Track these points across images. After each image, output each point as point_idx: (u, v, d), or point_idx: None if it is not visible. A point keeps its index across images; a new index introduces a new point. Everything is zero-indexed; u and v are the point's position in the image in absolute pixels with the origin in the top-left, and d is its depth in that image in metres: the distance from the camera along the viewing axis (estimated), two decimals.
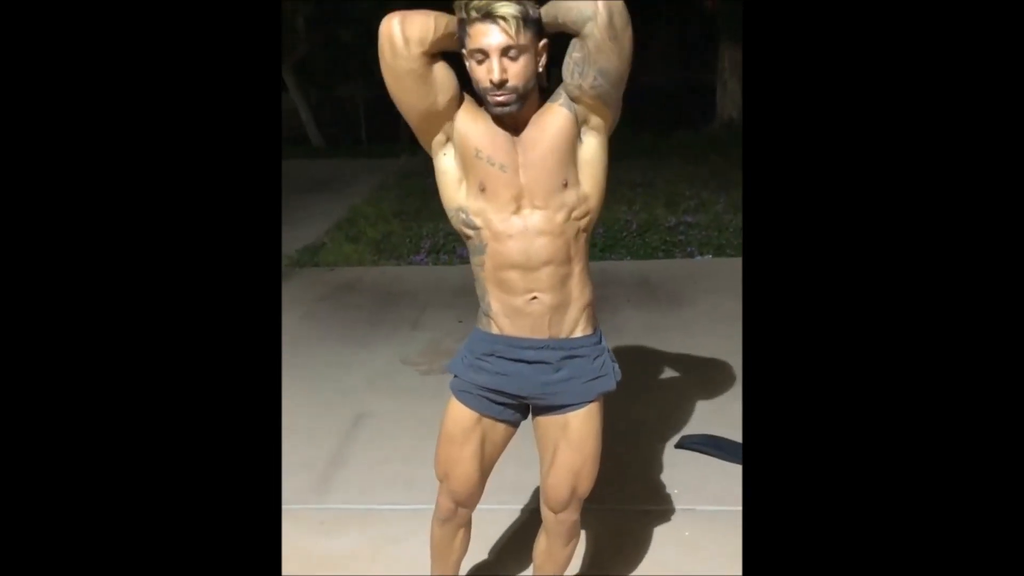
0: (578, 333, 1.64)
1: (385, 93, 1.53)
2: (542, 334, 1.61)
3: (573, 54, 1.48)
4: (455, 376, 1.71)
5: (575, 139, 1.54)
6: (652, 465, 2.67)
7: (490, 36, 1.42)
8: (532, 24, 1.43)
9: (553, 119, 1.53)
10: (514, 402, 1.69)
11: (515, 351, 1.63)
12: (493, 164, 1.51)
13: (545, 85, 1.53)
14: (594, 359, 1.66)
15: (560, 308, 1.60)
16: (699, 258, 5.23)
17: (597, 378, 1.66)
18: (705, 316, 4.06)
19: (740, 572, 1.77)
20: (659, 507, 2.41)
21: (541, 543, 1.80)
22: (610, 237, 5.68)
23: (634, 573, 2.14)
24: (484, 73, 1.45)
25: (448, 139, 1.57)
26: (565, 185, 1.54)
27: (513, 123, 1.53)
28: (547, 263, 1.56)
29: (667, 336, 3.79)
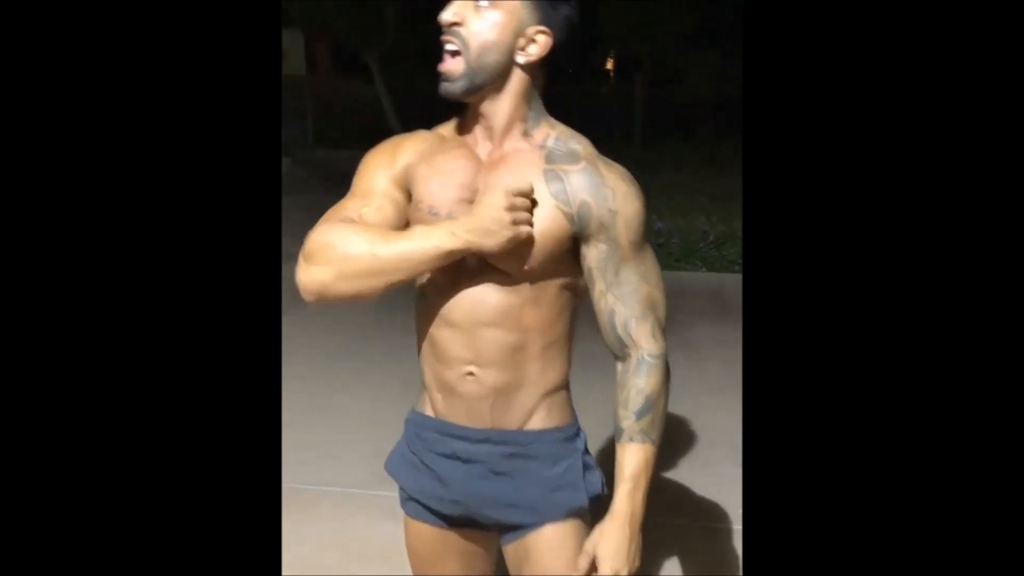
0: (535, 426, 1.19)
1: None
2: (481, 423, 1.19)
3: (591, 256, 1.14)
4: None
5: (566, 244, 1.13)
6: (720, 483, 2.63)
7: None
8: None
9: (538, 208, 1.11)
10: (460, 516, 1.25)
11: (446, 442, 1.21)
12: (437, 214, 1.13)
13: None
14: (554, 463, 1.20)
15: (505, 391, 1.16)
16: None
17: (557, 489, 1.20)
18: None
19: None
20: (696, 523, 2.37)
21: None
22: (686, 247, 5.61)
23: None
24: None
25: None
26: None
27: (487, 160, 1.15)
28: (490, 325, 1.14)
29: (738, 352, 3.73)
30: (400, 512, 1.29)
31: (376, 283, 1.07)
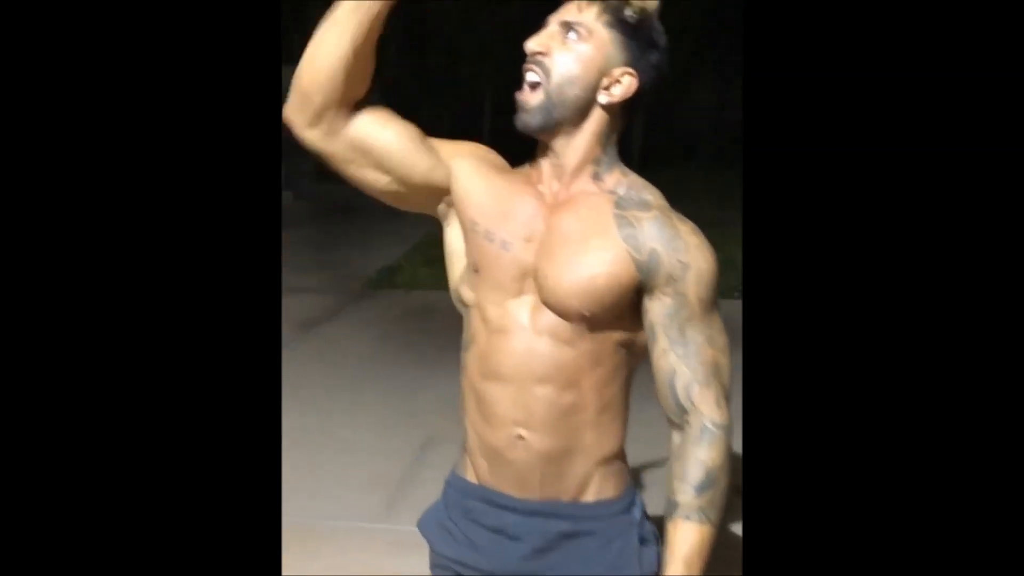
0: (589, 497, 1.10)
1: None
2: (530, 493, 1.10)
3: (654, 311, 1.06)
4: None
5: (629, 293, 1.06)
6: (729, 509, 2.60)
7: (559, 12, 1.08)
8: (618, 24, 1.05)
9: (602, 247, 1.05)
10: None
11: (493, 514, 1.12)
12: (492, 240, 1.08)
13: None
14: (610, 541, 1.11)
15: (558, 459, 1.08)
16: None
17: (612, 571, 1.11)
18: None
19: None
20: None
21: None
22: None
23: None
24: None
25: (451, 207, 1.15)
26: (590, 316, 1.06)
27: (551, 200, 1.10)
28: (542, 381, 1.06)
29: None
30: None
31: (326, 38, 1.01)
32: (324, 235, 6.90)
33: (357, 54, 1.02)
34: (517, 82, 1.08)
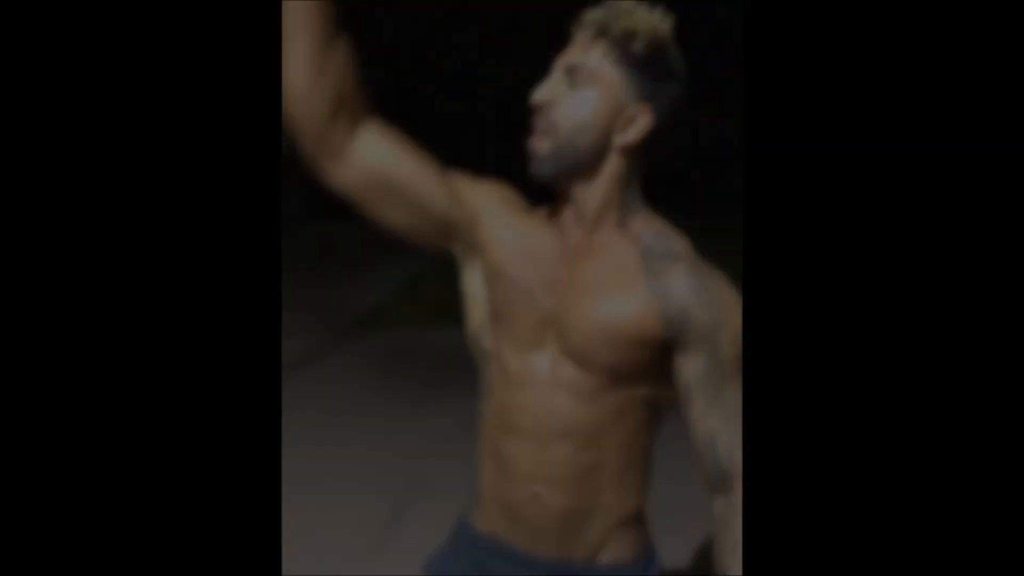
0: (606, 558, 1.07)
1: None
2: (545, 550, 1.06)
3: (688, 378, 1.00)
4: None
5: (655, 350, 1.00)
6: None
7: (564, 54, 1.02)
8: (627, 60, 0.98)
9: (629, 297, 0.99)
10: None
11: (506, 568, 1.09)
12: (515, 288, 1.03)
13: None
14: None
15: (576, 518, 1.04)
16: None
17: None
18: None
19: None
20: None
21: None
22: None
23: None
24: None
25: (472, 248, 1.09)
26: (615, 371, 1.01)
27: (575, 249, 1.04)
28: (564, 437, 1.01)
29: None
30: None
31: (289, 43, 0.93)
32: (310, 275, 6.89)
33: (315, 59, 0.92)
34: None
